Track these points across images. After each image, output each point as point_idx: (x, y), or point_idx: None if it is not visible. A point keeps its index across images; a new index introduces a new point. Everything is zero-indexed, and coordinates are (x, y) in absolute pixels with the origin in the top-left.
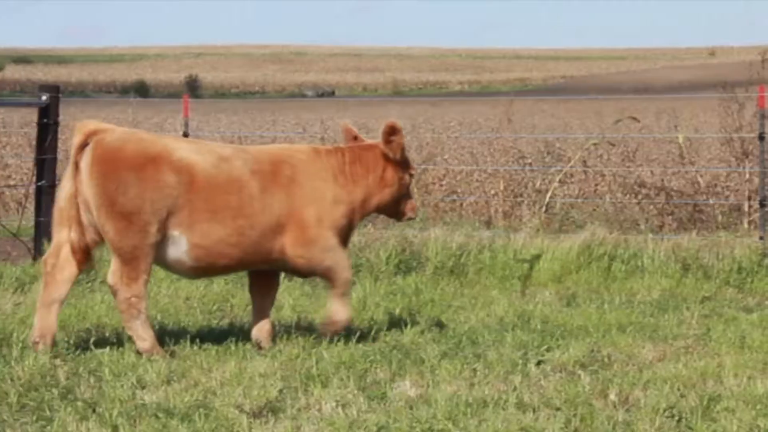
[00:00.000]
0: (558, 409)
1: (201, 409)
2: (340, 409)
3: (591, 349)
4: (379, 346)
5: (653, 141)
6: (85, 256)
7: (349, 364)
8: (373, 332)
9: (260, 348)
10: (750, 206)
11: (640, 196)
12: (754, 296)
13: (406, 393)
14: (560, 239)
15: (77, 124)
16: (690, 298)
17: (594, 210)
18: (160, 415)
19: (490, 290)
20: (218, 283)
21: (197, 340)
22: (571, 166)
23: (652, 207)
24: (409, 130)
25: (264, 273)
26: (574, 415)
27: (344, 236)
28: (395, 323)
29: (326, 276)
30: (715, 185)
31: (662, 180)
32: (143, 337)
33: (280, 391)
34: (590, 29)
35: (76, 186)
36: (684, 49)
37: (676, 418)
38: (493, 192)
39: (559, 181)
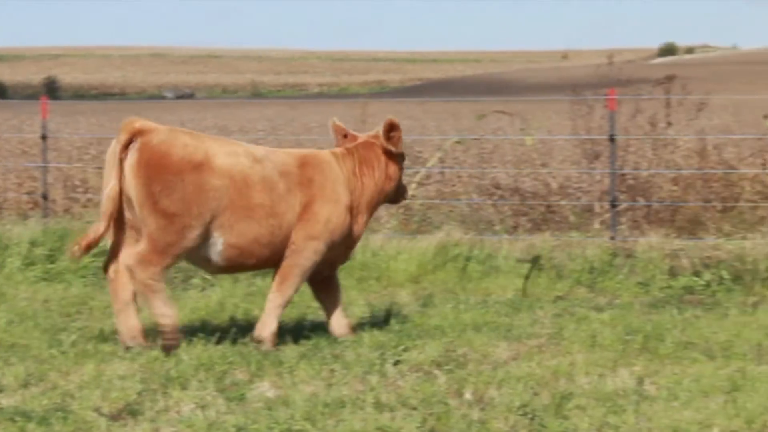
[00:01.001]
0: (414, 408)
1: (59, 413)
2: (199, 410)
3: (447, 348)
4: (238, 348)
5: (508, 142)
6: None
7: (208, 366)
8: (231, 334)
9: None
10: (601, 207)
11: (495, 197)
12: (605, 295)
13: (265, 394)
14: (417, 240)
15: (122, 122)
16: (543, 298)
17: (451, 211)
18: (18, 419)
19: (348, 291)
20: (77, 285)
21: (55, 343)
22: (429, 168)
23: (506, 208)
24: (269, 131)
25: (324, 279)
26: (431, 414)
27: (351, 240)
28: (254, 325)
29: (285, 277)
30: (567, 186)
31: (516, 181)
32: (165, 314)
33: (139, 393)
34: (447, 32)
35: (120, 184)
36: (538, 52)
37: (530, 416)
38: None
39: (417, 182)
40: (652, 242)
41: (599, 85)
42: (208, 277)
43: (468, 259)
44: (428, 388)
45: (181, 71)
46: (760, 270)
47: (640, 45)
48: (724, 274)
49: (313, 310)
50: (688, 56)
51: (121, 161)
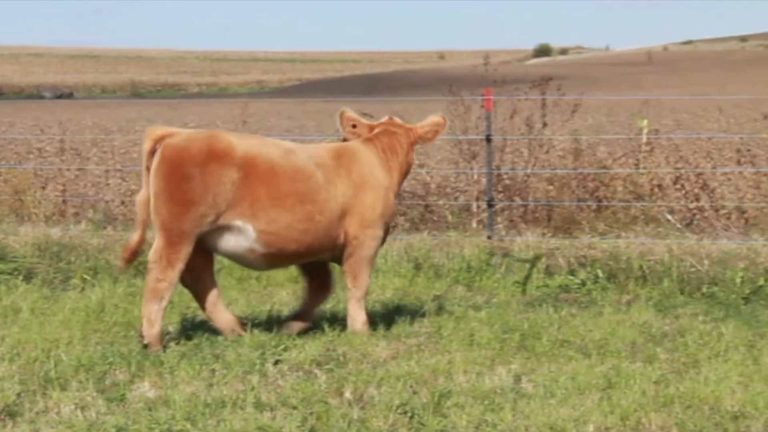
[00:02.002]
0: (295, 407)
1: None
2: (79, 411)
3: (327, 348)
4: (118, 348)
5: None
6: (131, 255)
7: (88, 367)
8: (111, 335)
9: (287, 329)
10: (478, 206)
11: None
12: (483, 294)
13: (146, 394)
14: None
15: (146, 131)
16: (422, 297)
17: None
18: None
19: (228, 291)
20: None
21: None
22: None
23: None
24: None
25: (320, 277)
26: (311, 414)
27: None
28: (134, 325)
29: (355, 272)
30: (445, 186)
31: None
32: (153, 322)
33: (18, 394)
34: (325, 32)
35: (144, 189)
36: (415, 52)
37: (409, 414)
38: None
39: None
40: (528, 241)
41: (476, 85)
42: (88, 277)
43: None
44: (308, 387)
45: (60, 71)
46: (634, 269)
47: (516, 46)
48: (599, 272)
49: (193, 310)
50: (562, 57)
51: (148, 168)
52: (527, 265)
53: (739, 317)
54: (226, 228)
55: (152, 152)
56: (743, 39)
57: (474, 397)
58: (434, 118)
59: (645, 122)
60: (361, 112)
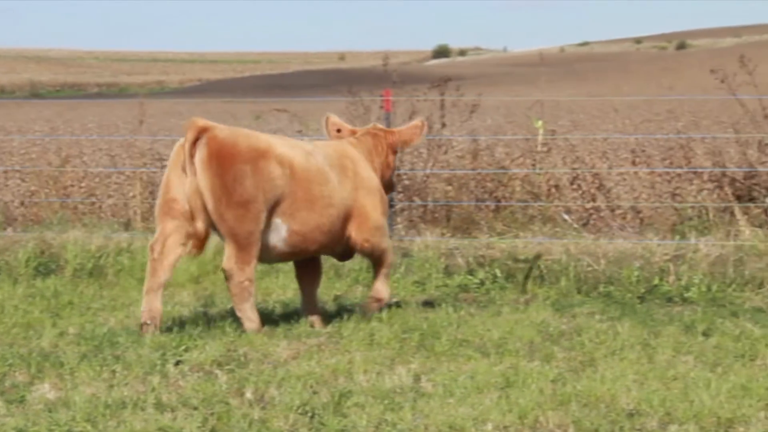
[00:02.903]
0: (196, 408)
1: None
2: None
3: (228, 348)
4: (17, 350)
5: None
6: (199, 242)
7: None
8: (11, 336)
9: (313, 327)
10: None
11: None
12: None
13: (45, 396)
14: None
15: (188, 121)
16: (322, 297)
17: None
18: None
19: (129, 292)
20: None
21: None
22: None
23: None
24: (47, 131)
25: (310, 263)
26: (212, 414)
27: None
28: (34, 326)
29: (378, 265)
30: None
31: None
32: (252, 318)
33: None
34: (225, 33)
35: (191, 178)
36: (315, 53)
37: (310, 414)
38: (131, 194)
39: None
40: (428, 241)
41: (376, 86)
42: None
43: None
44: (209, 387)
45: None
46: (532, 268)
47: (415, 47)
48: (498, 272)
49: (95, 311)
50: (461, 58)
51: (191, 157)
52: (527, 265)
53: (634, 316)
54: (268, 225)
55: (194, 142)
56: (638, 40)
57: (374, 396)
58: (414, 122)
59: (540, 123)
60: (273, 109)
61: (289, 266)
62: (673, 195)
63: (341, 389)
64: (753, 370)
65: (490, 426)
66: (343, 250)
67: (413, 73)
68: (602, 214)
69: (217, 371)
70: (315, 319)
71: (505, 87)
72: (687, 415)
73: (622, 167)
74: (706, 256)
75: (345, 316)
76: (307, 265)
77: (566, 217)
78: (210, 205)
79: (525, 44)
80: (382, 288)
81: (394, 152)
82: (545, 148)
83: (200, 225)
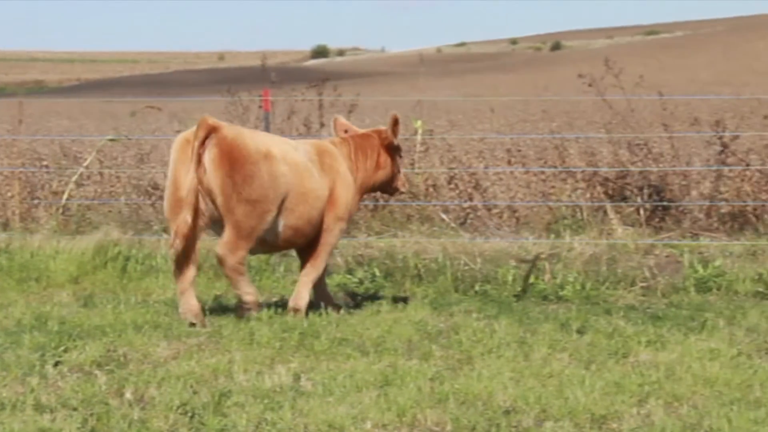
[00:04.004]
0: (75, 409)
1: None
2: None
3: (107, 348)
4: None
5: (166, 143)
6: (185, 235)
7: None
8: None
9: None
10: None
11: (153, 197)
12: (263, 293)
13: None
14: (76, 240)
15: (199, 120)
16: (202, 297)
17: (110, 211)
18: None
19: (7, 292)
20: None
21: None
22: (86, 167)
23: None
24: None
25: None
26: (91, 415)
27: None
28: None
29: (316, 255)
30: None
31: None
32: (249, 291)
33: None
34: (104, 32)
35: (199, 176)
36: (195, 53)
37: (190, 414)
38: (9, 194)
39: (75, 182)
40: None
41: (254, 85)
42: None
43: (127, 259)
44: (89, 388)
45: None
46: (410, 267)
47: (294, 47)
48: (376, 271)
49: None
50: (339, 58)
51: (199, 155)
52: (528, 265)
53: (511, 314)
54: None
55: (204, 140)
56: (514, 41)
57: (254, 396)
58: (391, 116)
59: (419, 123)
60: (146, 106)
61: (169, 266)
62: (548, 194)
63: (221, 389)
64: (626, 367)
65: (369, 424)
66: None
67: (292, 72)
68: (479, 213)
69: (97, 372)
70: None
71: (383, 87)
72: (562, 412)
73: (498, 167)
74: (580, 255)
75: (225, 316)
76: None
77: (444, 216)
78: (219, 201)
79: (403, 45)
80: (301, 295)
81: (390, 153)
82: (423, 148)
83: (189, 217)
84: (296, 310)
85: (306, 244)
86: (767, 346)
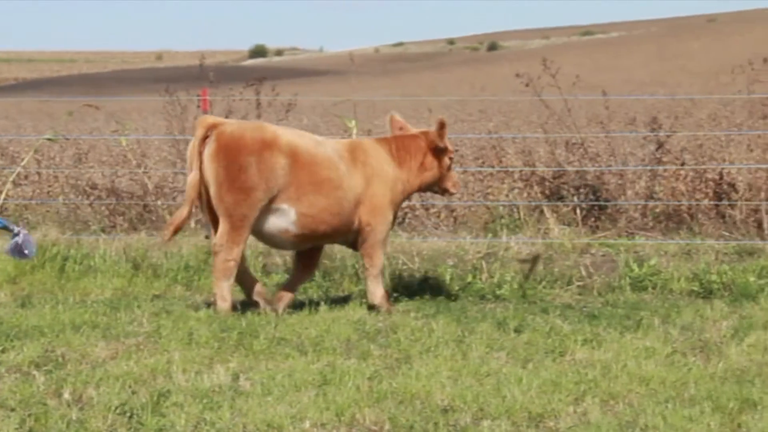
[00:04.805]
0: (13, 409)
1: None
2: None
3: (46, 349)
4: None
5: (104, 142)
6: (177, 228)
7: None
8: None
9: (270, 309)
10: (196, 206)
11: (92, 197)
12: (202, 293)
13: None
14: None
15: (198, 120)
16: (141, 297)
17: (47, 211)
18: None
19: None
20: None
21: None
22: (24, 167)
23: (103, 208)
24: None
25: (311, 254)
26: (29, 415)
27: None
28: None
29: (367, 254)
30: (163, 186)
31: (112, 182)
32: (225, 298)
33: None
34: (41, 32)
35: (201, 173)
36: (132, 52)
37: (128, 414)
38: None
39: (13, 182)
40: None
41: (193, 85)
42: None
43: (66, 259)
44: (27, 389)
45: None
46: (348, 266)
47: (232, 47)
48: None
49: None
50: (277, 58)
51: (200, 153)
52: (528, 264)
53: (449, 313)
54: (273, 210)
55: (204, 138)
56: (451, 41)
57: (193, 396)
58: (438, 120)
59: (354, 123)
60: (83, 104)
61: (107, 265)
62: (486, 194)
63: (160, 389)
64: (562, 366)
65: (307, 424)
66: (355, 237)
67: (231, 72)
68: (417, 212)
69: (35, 372)
70: (287, 296)
71: (321, 87)
72: (499, 411)
73: None
74: (518, 254)
75: (164, 316)
76: (308, 259)
77: None
78: (212, 190)
79: (341, 45)
80: (373, 291)
81: (436, 155)
82: None
83: (184, 212)
84: (373, 306)
85: (337, 235)
86: (701, 344)
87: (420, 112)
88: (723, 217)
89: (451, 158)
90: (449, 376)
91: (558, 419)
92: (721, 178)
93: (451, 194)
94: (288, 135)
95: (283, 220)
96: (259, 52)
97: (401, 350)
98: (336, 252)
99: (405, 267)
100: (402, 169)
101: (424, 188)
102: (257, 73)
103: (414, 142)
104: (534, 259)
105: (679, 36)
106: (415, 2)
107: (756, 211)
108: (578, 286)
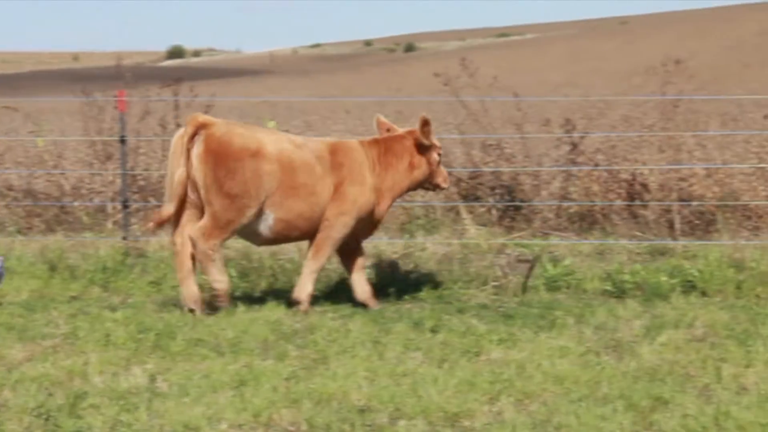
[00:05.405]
0: None
1: None
2: None
3: None
4: None
5: (20, 143)
6: (161, 223)
7: None
8: None
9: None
10: (113, 207)
11: (8, 199)
12: (119, 294)
13: None
14: None
15: (188, 117)
16: (58, 298)
17: None
18: None
19: None
20: None
21: None
22: None
23: (20, 209)
24: None
25: (351, 250)
26: None
27: (374, 218)
28: None
29: (318, 247)
30: (81, 187)
31: (29, 183)
32: (219, 279)
33: None
34: None
35: (188, 170)
36: (49, 53)
37: (44, 416)
38: None
39: None
40: (163, 242)
41: (110, 86)
42: None
43: None
44: None
45: None
46: (266, 267)
47: (149, 48)
48: (232, 272)
49: None
50: (195, 59)
51: (188, 150)
52: (527, 265)
53: (366, 314)
54: (259, 215)
55: (193, 136)
56: (368, 43)
57: (109, 397)
58: (420, 118)
59: (273, 123)
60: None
61: (24, 267)
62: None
63: (77, 391)
64: (478, 365)
65: (224, 425)
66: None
67: (148, 73)
68: None
69: None
70: (366, 299)
71: (239, 87)
72: (415, 410)
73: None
74: (434, 255)
75: (80, 317)
76: (352, 252)
77: None
78: (202, 192)
79: (259, 45)
80: (303, 285)
81: (424, 153)
82: None
83: (172, 207)
84: (297, 302)
85: (306, 238)
86: (614, 343)
87: (337, 113)
88: (636, 217)
89: (439, 154)
90: (366, 377)
91: (473, 418)
92: (634, 178)
93: (442, 189)
94: (273, 140)
95: (262, 224)
96: (176, 52)
97: (318, 351)
98: (253, 252)
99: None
100: (387, 173)
101: (415, 186)
102: (175, 74)
103: (401, 143)
104: (535, 259)
105: (592, 38)
106: (333, 3)
107: (667, 211)
108: (494, 287)
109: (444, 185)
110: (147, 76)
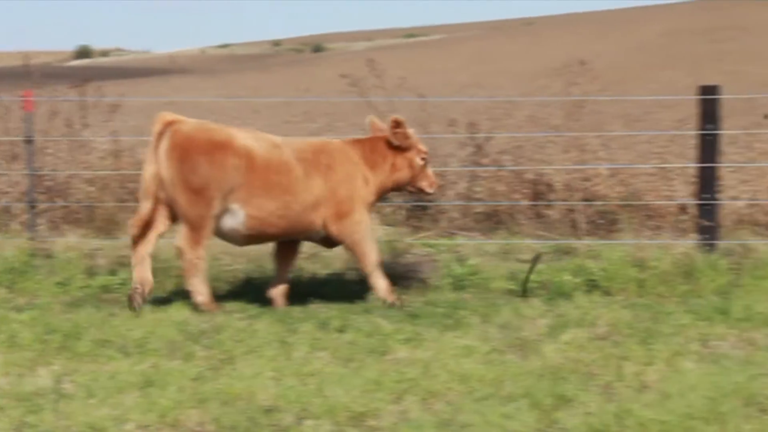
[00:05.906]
0: None
1: None
2: None
3: None
4: None
5: None
6: (142, 222)
7: None
8: None
9: (274, 305)
10: (19, 208)
11: None
12: (24, 296)
13: None
14: None
15: (157, 116)
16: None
17: None
18: None
19: None
20: None
21: None
22: None
23: None
24: None
25: (287, 244)
26: None
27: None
28: None
29: (359, 255)
30: None
31: None
32: (201, 291)
33: None
34: None
35: (157, 167)
36: None
37: None
38: None
39: None
40: (70, 242)
41: (16, 86)
42: None
43: None
44: None
45: None
46: (172, 267)
47: (56, 47)
48: None
49: None
50: (103, 59)
51: (156, 148)
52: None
53: (272, 314)
54: (225, 210)
55: (160, 134)
56: (276, 43)
57: (15, 399)
58: (390, 119)
59: None
60: None
61: None
62: None
63: None
64: (384, 365)
65: (131, 425)
66: (323, 237)
67: (55, 72)
68: None
69: None
70: (278, 295)
71: (147, 88)
72: (322, 410)
73: None
74: (341, 255)
75: None
76: (287, 247)
77: None
78: (168, 190)
79: (167, 45)
80: (377, 288)
81: (405, 156)
82: None
83: (147, 206)
84: (385, 302)
85: (288, 236)
86: (519, 342)
87: (245, 113)
88: (540, 217)
89: (423, 158)
90: (272, 377)
91: (379, 418)
92: (539, 179)
93: (428, 194)
94: (243, 137)
95: (233, 220)
96: (83, 52)
97: (225, 351)
98: (159, 253)
99: (230, 268)
100: (375, 171)
101: (398, 188)
102: (83, 74)
103: (383, 143)
104: (535, 259)
105: (498, 39)
106: (241, 4)
107: (572, 211)
108: (400, 286)
109: (429, 190)
110: (54, 76)
